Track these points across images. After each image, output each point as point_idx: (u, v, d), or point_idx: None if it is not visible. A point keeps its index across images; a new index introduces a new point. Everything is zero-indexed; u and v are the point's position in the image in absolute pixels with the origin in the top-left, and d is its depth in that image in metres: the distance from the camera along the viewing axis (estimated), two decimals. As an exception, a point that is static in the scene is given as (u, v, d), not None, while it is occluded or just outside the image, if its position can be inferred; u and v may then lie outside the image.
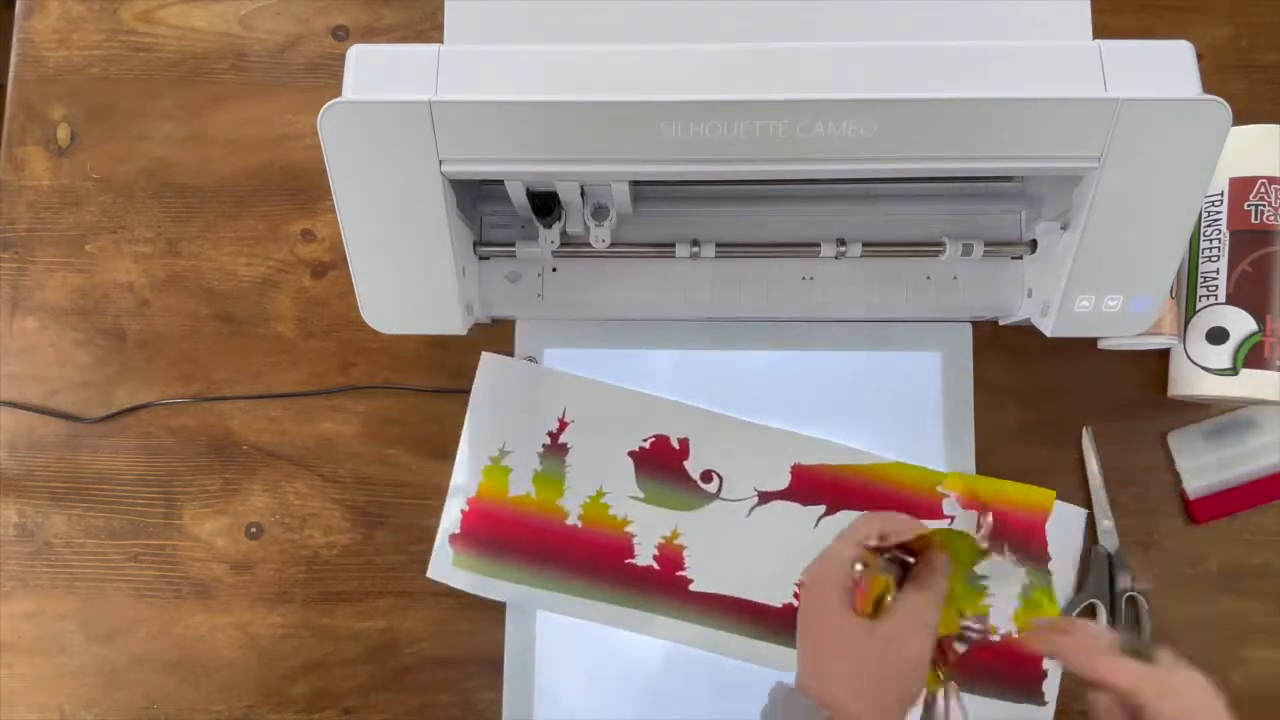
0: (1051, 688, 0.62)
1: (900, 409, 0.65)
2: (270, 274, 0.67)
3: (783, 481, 0.64)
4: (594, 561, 0.63)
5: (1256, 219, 0.59)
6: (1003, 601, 0.62)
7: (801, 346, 0.65)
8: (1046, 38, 0.50)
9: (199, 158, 0.67)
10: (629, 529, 0.64)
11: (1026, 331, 0.62)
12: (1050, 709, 0.62)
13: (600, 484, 0.64)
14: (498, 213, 0.61)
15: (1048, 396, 0.65)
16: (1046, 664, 0.62)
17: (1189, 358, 0.61)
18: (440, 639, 0.64)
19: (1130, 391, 0.65)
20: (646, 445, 0.64)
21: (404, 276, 0.53)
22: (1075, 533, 0.63)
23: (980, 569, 0.60)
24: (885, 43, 0.48)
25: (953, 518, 0.63)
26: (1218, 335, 0.60)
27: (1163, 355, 0.64)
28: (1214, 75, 0.64)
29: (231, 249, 0.67)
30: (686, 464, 0.64)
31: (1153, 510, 0.64)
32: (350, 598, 0.65)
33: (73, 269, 0.67)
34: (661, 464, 0.64)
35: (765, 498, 0.64)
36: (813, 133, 0.47)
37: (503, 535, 0.63)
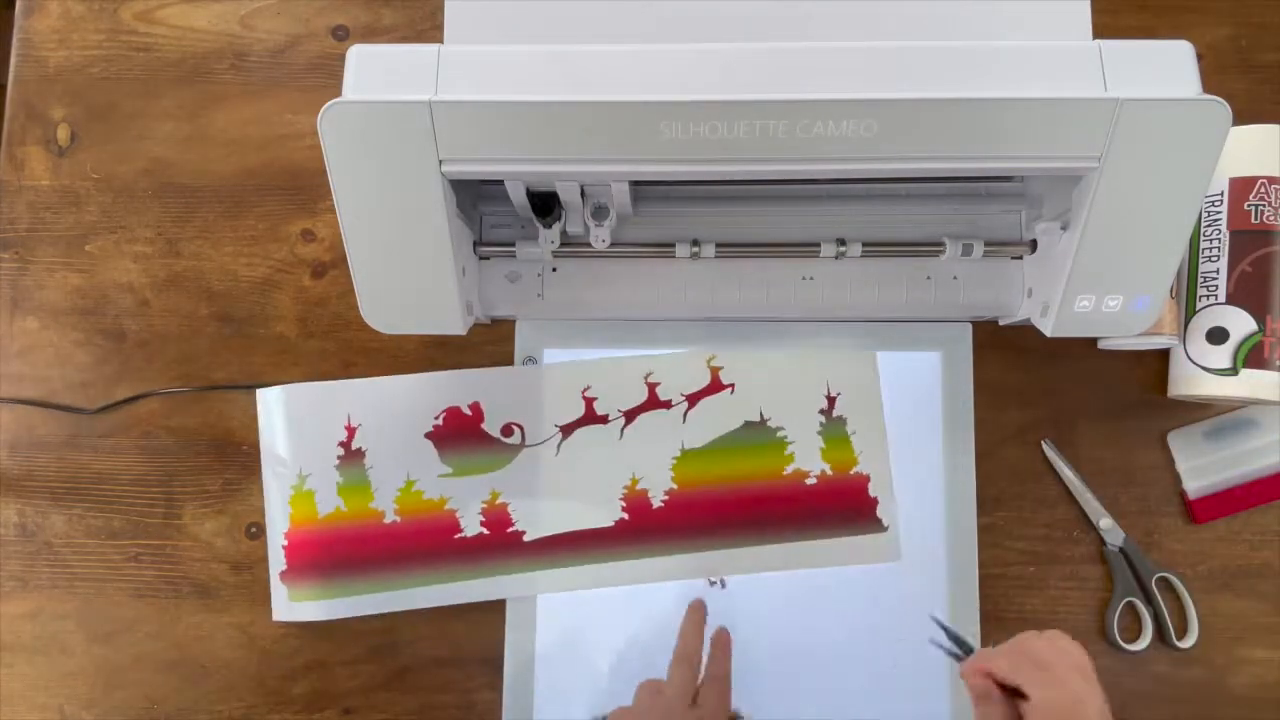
0: (887, 513, 0.64)
1: (900, 409, 0.65)
2: (270, 274, 0.67)
3: (578, 410, 0.65)
4: (425, 549, 0.64)
5: (1256, 219, 0.59)
6: (807, 447, 0.64)
7: (801, 347, 0.66)
8: (1046, 38, 0.49)
9: (199, 158, 0.67)
10: (449, 506, 0.64)
11: (1026, 331, 0.62)
12: (894, 533, 0.64)
13: (407, 474, 0.64)
14: (498, 213, 0.61)
15: (1048, 396, 0.65)
16: (874, 491, 0.64)
17: (1189, 358, 0.61)
18: (440, 639, 0.64)
19: (1130, 391, 0.65)
20: (440, 422, 0.65)
21: (404, 276, 0.53)
22: (868, 367, 0.65)
23: (773, 422, 0.64)
24: (885, 43, 0.48)
25: (732, 385, 0.65)
26: (1218, 335, 0.60)
27: (1163, 355, 0.64)
28: (1214, 75, 0.64)
29: (231, 249, 0.67)
30: (483, 426, 0.65)
31: (1153, 510, 0.64)
32: (350, 598, 0.65)
33: (73, 269, 0.67)
34: (460, 434, 0.65)
35: (567, 430, 0.65)
36: (813, 133, 0.47)
37: (328, 556, 0.64)
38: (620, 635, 0.64)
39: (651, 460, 0.65)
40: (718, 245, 0.60)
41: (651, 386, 0.65)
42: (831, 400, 0.65)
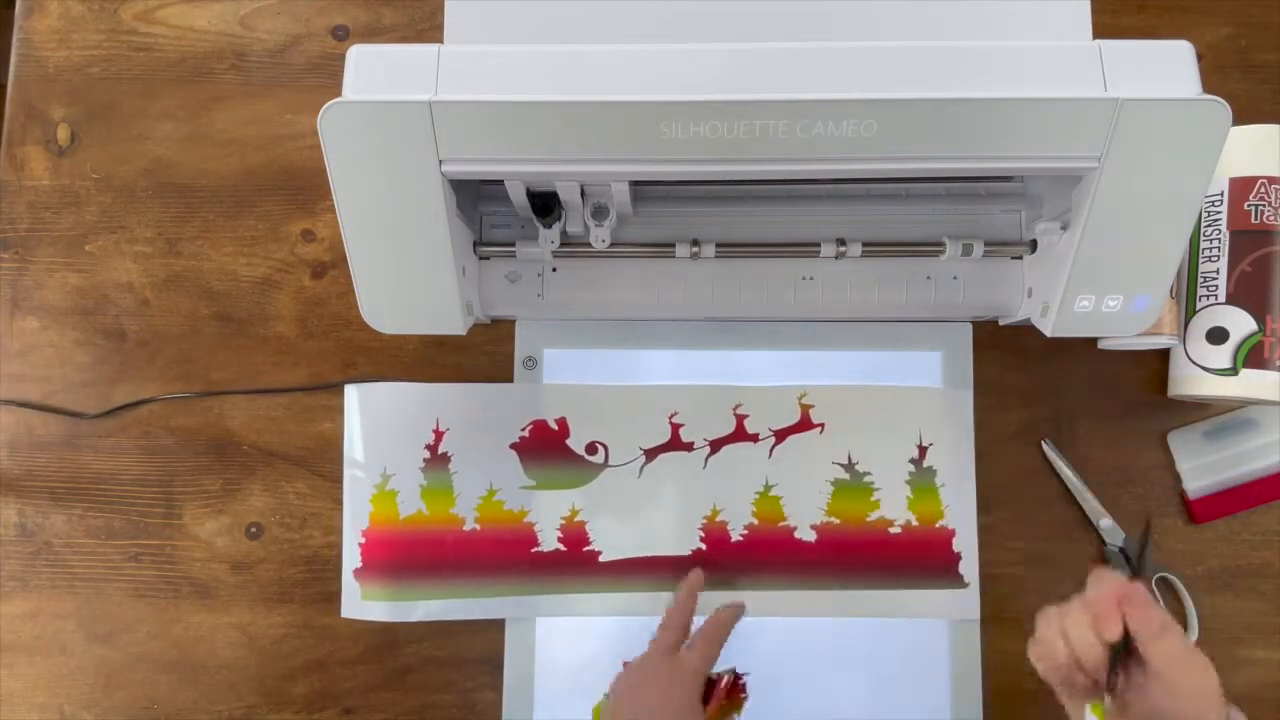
0: (970, 569, 0.64)
1: (901, 409, 0.65)
2: (270, 274, 0.67)
3: (664, 435, 0.65)
4: (501, 558, 0.64)
5: (1256, 219, 0.59)
6: (893, 495, 0.64)
7: (802, 346, 0.66)
8: (1046, 38, 0.49)
9: (199, 158, 0.67)
10: (528, 519, 0.64)
11: (1026, 331, 0.62)
12: (974, 590, 0.63)
13: (490, 482, 0.64)
14: (498, 213, 0.61)
15: (1048, 396, 0.65)
16: (958, 546, 0.63)
17: (1189, 358, 0.61)
18: (440, 639, 0.64)
19: (1130, 391, 0.65)
20: (526, 434, 0.65)
21: (404, 276, 0.53)
22: (963, 411, 0.65)
23: (860, 466, 0.64)
24: (885, 43, 0.48)
25: (822, 425, 0.64)
26: (1218, 335, 0.60)
27: (1163, 355, 0.64)
28: (1214, 75, 0.64)
29: (231, 249, 0.67)
30: (568, 442, 0.65)
31: (1153, 510, 0.64)
32: (350, 598, 0.65)
33: (73, 269, 0.67)
34: (545, 448, 0.65)
35: (651, 454, 0.65)
36: (813, 133, 0.47)
37: (405, 558, 0.64)
38: (619, 636, 0.64)
39: (734, 493, 0.64)
40: (718, 245, 0.60)
41: (740, 418, 0.65)
42: (923, 450, 0.64)
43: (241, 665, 0.65)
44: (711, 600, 0.63)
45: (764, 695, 0.63)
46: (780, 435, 0.65)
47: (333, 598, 0.65)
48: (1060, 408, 0.65)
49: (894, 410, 0.65)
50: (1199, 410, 0.65)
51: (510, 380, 0.66)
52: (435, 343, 0.66)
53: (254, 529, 0.65)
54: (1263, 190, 0.59)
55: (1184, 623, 0.63)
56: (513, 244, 0.60)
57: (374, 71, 0.49)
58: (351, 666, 0.64)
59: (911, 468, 0.64)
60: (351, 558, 0.64)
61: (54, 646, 0.65)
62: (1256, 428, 0.64)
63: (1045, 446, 0.64)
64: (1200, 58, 0.48)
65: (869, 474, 0.64)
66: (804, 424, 0.65)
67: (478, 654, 0.64)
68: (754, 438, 0.65)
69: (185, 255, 0.67)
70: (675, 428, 0.65)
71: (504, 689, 0.64)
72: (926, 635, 0.64)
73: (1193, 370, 0.61)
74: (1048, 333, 0.56)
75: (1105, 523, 0.63)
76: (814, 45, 0.48)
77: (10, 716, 0.64)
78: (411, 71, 0.48)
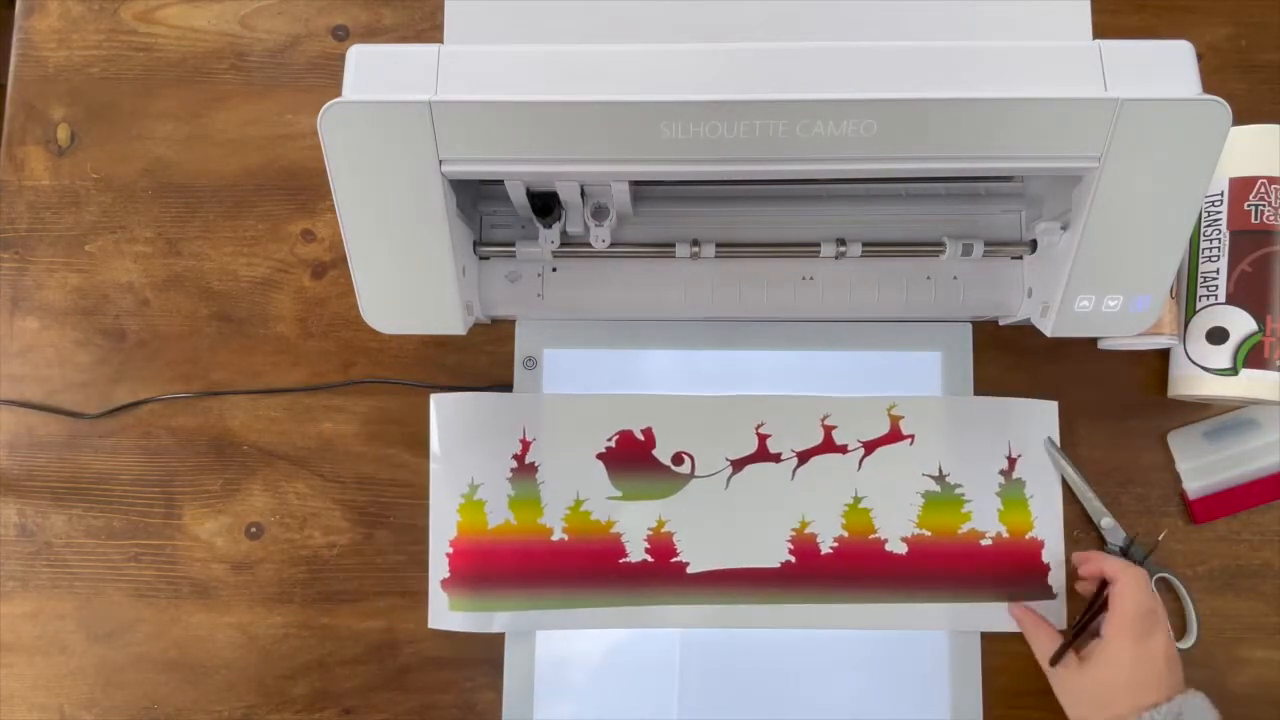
0: (1057, 580, 0.63)
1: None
2: (270, 274, 0.67)
3: (750, 445, 0.64)
4: (589, 570, 0.63)
5: (1256, 219, 0.59)
6: (984, 507, 0.64)
7: (802, 346, 0.66)
8: (1046, 38, 0.49)
9: (199, 158, 0.67)
10: (615, 530, 0.64)
11: (1026, 331, 0.62)
12: (1061, 601, 0.63)
13: (576, 493, 0.64)
14: (498, 213, 0.61)
15: (1047, 396, 0.65)
16: (1047, 558, 0.63)
17: (1189, 358, 0.61)
18: (440, 639, 0.64)
19: (1130, 391, 0.65)
20: (613, 444, 0.64)
21: (404, 276, 0.53)
22: (1049, 422, 0.64)
23: (951, 478, 0.64)
24: (885, 43, 0.48)
25: (911, 436, 0.64)
26: (1218, 335, 0.60)
27: (1163, 355, 0.64)
28: (1214, 75, 0.64)
29: (231, 249, 0.67)
30: (655, 452, 0.64)
31: (1153, 510, 0.64)
32: (350, 598, 0.65)
33: (73, 269, 0.67)
34: (631, 458, 0.64)
35: (738, 465, 0.64)
36: (813, 133, 0.47)
37: (493, 568, 0.63)
38: (618, 636, 0.64)
39: (823, 505, 0.64)
40: (718, 245, 0.60)
41: (828, 429, 0.64)
42: (1012, 461, 0.64)
43: (241, 665, 0.65)
44: (801, 614, 0.63)
45: (763, 700, 0.63)
46: (869, 447, 0.64)
47: (332, 597, 0.65)
48: (1060, 408, 0.65)
49: (983, 422, 0.64)
50: (1199, 410, 0.65)
51: (510, 380, 0.66)
52: (435, 343, 0.66)
53: (254, 529, 0.65)
54: (1263, 190, 0.59)
55: (1184, 623, 0.63)
56: (513, 244, 0.60)
57: (374, 71, 0.49)
58: (351, 666, 0.64)
59: (1001, 479, 0.64)
60: (439, 568, 0.64)
61: (54, 646, 0.65)
62: (1256, 428, 0.64)
63: (1045, 446, 0.64)
64: (1200, 58, 0.48)
65: (960, 486, 0.64)
66: (894, 435, 0.64)
67: (478, 654, 0.64)
68: (843, 449, 0.64)
69: (185, 255, 0.67)
70: (762, 438, 0.64)
71: (504, 689, 0.64)
72: (926, 636, 0.64)
73: (1193, 370, 0.61)
74: (1048, 333, 0.56)
75: (1106, 522, 0.63)
76: (814, 45, 0.48)
77: (10, 716, 0.64)
78: (411, 71, 0.48)
